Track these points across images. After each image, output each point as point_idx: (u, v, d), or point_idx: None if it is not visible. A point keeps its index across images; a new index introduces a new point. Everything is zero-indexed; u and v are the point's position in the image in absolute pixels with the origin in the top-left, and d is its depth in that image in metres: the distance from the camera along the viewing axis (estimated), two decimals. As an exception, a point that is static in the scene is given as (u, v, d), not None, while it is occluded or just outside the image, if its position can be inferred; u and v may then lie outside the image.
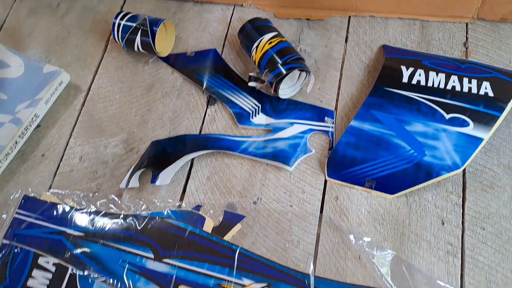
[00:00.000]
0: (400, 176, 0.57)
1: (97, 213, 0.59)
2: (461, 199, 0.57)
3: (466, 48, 0.67)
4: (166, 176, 0.60)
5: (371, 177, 0.58)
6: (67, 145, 0.65)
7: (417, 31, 0.69)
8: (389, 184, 0.57)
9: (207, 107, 0.67)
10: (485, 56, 0.66)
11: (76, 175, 0.63)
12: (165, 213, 0.58)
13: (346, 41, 0.70)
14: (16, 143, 0.63)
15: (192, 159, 0.62)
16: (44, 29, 0.76)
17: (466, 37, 0.68)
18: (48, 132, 0.66)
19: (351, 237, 0.55)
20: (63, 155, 0.65)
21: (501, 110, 0.59)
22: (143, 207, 0.58)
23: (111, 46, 0.73)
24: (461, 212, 0.56)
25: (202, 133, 0.64)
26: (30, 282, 0.55)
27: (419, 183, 0.56)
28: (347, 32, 0.71)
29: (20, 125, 0.63)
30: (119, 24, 0.68)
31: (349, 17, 0.72)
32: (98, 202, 0.59)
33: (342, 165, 0.59)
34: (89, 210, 0.59)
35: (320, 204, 0.58)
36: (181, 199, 0.60)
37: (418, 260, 0.54)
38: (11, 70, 0.68)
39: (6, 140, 0.62)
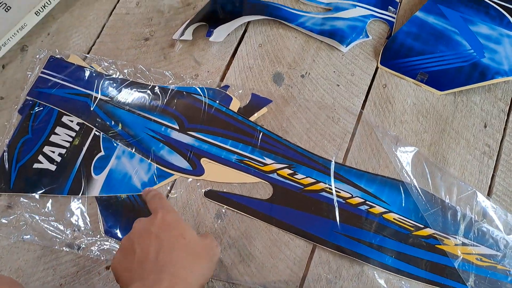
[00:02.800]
0: (454, 73, 0.57)
1: (124, 81, 0.58)
2: (508, 107, 0.57)
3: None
4: (221, 33, 0.60)
5: (424, 70, 0.58)
6: (123, -10, 0.65)
7: None
8: (441, 79, 0.57)
9: (269, -24, 0.65)
10: None
11: (131, 18, 0.62)
12: (193, 88, 0.57)
13: None
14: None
15: (247, 24, 0.62)
16: None
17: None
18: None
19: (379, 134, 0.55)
20: (119, -2, 0.64)
21: None
22: (170, 81, 0.58)
23: None
24: (505, 118, 0.56)
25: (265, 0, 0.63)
26: (53, 138, 0.55)
27: (471, 83, 0.56)
28: None
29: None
30: None
31: None
32: (126, 70, 0.59)
33: (398, 54, 0.59)
34: (117, 77, 0.58)
35: (367, 89, 0.58)
36: (230, 63, 0.60)
37: (454, 156, 0.55)
38: None
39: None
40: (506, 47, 0.57)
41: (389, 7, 0.62)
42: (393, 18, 0.61)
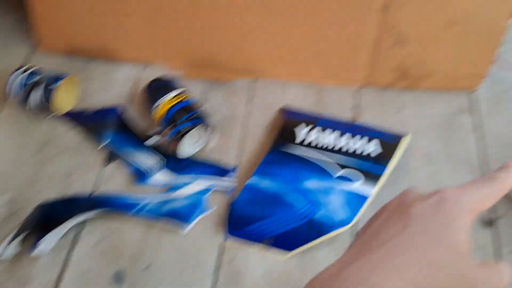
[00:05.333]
0: (294, 233, 0.58)
1: None
2: (352, 255, 0.59)
3: (356, 111, 0.73)
4: (49, 242, 0.56)
5: (268, 235, 0.58)
6: None
7: (313, 95, 0.74)
8: (285, 242, 0.58)
9: (104, 166, 0.65)
10: (371, 119, 0.72)
11: None
12: None
13: (249, 102, 0.73)
14: None
15: (81, 223, 0.59)
16: None
17: (356, 102, 0.74)
18: None
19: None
20: None
21: (385, 168, 0.63)
22: None
23: (7, 103, 0.70)
24: (352, 268, 0.57)
25: (96, 193, 0.62)
26: None
27: (311, 240, 0.58)
28: (251, 94, 0.74)
29: None
30: (15, 80, 0.65)
31: (253, 80, 0.76)
32: None
33: (240, 223, 0.59)
34: None
35: (213, 268, 0.57)
36: (62, 272, 0.55)
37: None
38: None
39: None
40: (335, 199, 0.61)
41: (227, 175, 0.64)
42: (231, 186, 0.63)
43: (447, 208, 0.27)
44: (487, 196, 0.28)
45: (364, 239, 0.28)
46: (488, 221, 0.61)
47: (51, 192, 0.61)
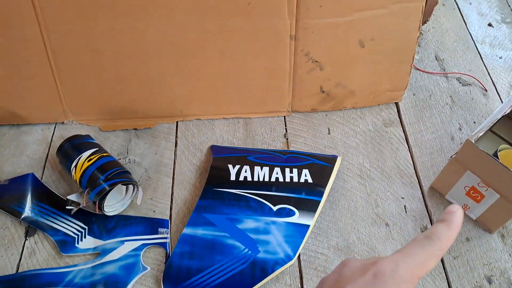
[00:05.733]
0: (238, 278, 0.56)
1: None
2: (302, 289, 0.57)
3: (287, 139, 0.72)
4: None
5: (210, 285, 0.55)
6: None
7: (241, 128, 0.73)
8: (230, 289, 0.55)
9: (25, 239, 0.59)
10: (303, 144, 0.72)
11: None
12: None
13: (175, 145, 0.71)
14: None
15: (5, 307, 0.53)
16: None
17: (286, 129, 0.74)
18: None
19: None
20: None
21: (321, 194, 0.63)
22: None
23: None
24: (304, 303, 0.56)
25: (19, 271, 0.56)
26: None
27: (257, 282, 0.55)
28: (176, 137, 0.72)
29: None
30: None
31: (177, 122, 0.73)
32: None
33: (179, 278, 0.56)
34: None
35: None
36: None
37: None
38: None
39: None
40: (275, 234, 0.59)
41: (160, 228, 0.61)
42: (167, 238, 0.60)
43: (382, 285, 0.25)
44: (426, 260, 0.26)
45: None
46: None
47: (-36, 280, 0.55)
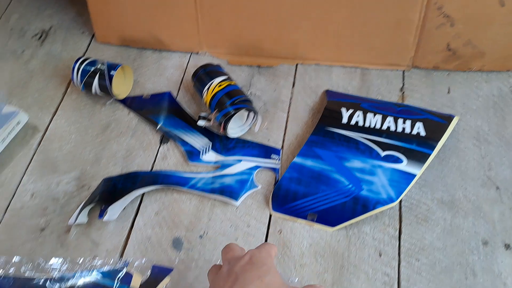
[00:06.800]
0: (339, 209, 0.60)
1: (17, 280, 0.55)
2: (398, 231, 0.59)
3: (403, 93, 0.73)
4: (115, 211, 0.61)
5: (312, 210, 0.60)
6: (20, 182, 0.66)
7: (358, 78, 0.75)
8: (330, 217, 0.60)
9: (159, 145, 0.70)
10: (419, 101, 0.71)
11: (26, 212, 0.63)
12: (90, 274, 0.56)
13: (293, 86, 0.75)
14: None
15: (142, 195, 0.64)
16: (7, 74, 0.80)
17: (403, 83, 0.74)
18: (2, 170, 0.68)
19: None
20: (15, 192, 0.65)
21: (433, 148, 0.63)
22: (65, 266, 0.57)
23: (71, 89, 0.77)
24: (397, 244, 0.58)
25: (153, 170, 0.67)
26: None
27: (356, 216, 0.59)
28: (294, 78, 0.76)
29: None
30: (78, 68, 0.72)
31: (296, 64, 0.78)
32: (22, 268, 0.56)
33: (285, 199, 0.62)
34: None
35: (264, 238, 0.60)
36: (128, 237, 0.60)
37: (357, 292, 0.55)
38: (-30, 110, 0.70)
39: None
40: (380, 177, 0.61)
41: (272, 155, 0.67)
42: (278, 165, 0.66)
43: (253, 259, 0.42)
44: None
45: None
46: None
47: (114, 169, 0.67)
